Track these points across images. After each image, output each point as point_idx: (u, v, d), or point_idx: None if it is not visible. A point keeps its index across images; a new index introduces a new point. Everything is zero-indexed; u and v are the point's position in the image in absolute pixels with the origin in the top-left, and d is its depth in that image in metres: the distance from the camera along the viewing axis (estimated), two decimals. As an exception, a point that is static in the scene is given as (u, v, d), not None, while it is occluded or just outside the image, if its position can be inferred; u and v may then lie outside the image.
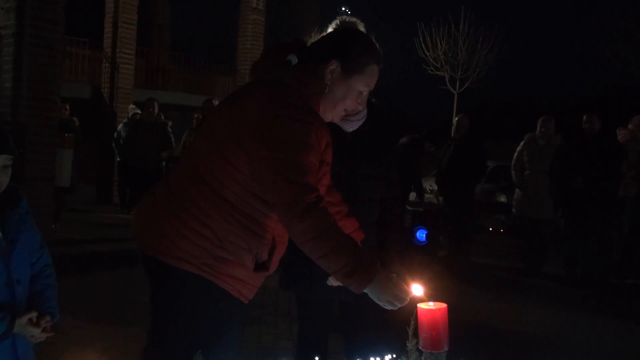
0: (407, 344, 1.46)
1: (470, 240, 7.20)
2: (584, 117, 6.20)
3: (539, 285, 6.31)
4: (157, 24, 18.42)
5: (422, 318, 1.46)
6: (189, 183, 1.73)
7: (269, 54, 1.91)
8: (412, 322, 1.46)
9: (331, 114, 1.86)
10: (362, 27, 2.14)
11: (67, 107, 8.07)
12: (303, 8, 16.29)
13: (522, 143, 6.94)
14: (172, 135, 8.54)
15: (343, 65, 1.81)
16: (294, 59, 1.84)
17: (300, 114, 1.66)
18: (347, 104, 1.85)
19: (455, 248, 6.97)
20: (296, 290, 2.41)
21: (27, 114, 6.12)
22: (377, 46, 1.90)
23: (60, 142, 6.75)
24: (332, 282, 1.86)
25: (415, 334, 1.46)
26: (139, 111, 9.19)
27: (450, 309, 1.49)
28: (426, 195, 8.94)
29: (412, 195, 8.25)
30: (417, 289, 1.63)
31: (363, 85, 1.85)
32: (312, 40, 1.96)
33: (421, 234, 6.62)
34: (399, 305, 1.65)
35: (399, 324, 1.67)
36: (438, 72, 14.81)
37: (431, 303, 1.50)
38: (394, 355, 1.53)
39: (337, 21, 2.23)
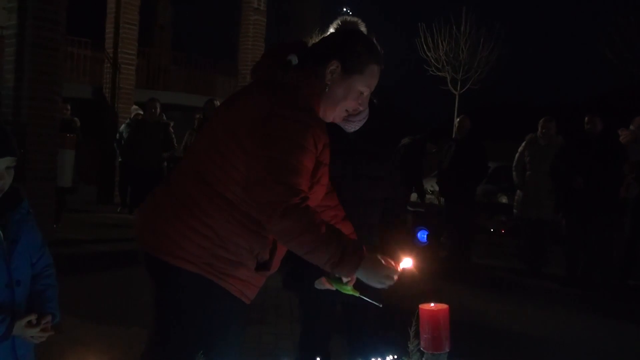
0: (409, 345, 1.45)
1: (471, 240, 7.20)
2: (586, 118, 6.20)
3: (540, 285, 6.30)
4: (159, 24, 18.45)
5: (423, 319, 1.46)
6: (190, 183, 1.73)
7: (270, 55, 1.91)
8: (414, 323, 1.46)
9: (332, 114, 1.86)
10: (363, 28, 2.13)
11: (69, 107, 8.07)
12: (304, 8, 16.31)
13: (523, 144, 6.95)
14: (174, 136, 8.52)
15: (343, 66, 1.81)
16: (294, 60, 1.84)
17: (299, 114, 1.67)
18: (347, 104, 1.85)
19: (456, 249, 6.98)
20: (299, 291, 2.41)
21: (28, 114, 6.13)
22: (378, 46, 1.90)
23: (62, 143, 6.76)
24: (320, 285, 1.85)
25: (417, 335, 1.46)
26: (142, 112, 9.18)
27: (451, 310, 1.48)
28: (427, 196, 8.94)
29: (414, 196, 8.25)
30: (406, 262, 1.73)
31: (363, 85, 1.84)
32: (313, 42, 1.96)
33: (422, 235, 6.61)
34: (390, 283, 1.71)
35: (401, 325, 1.67)
36: (439, 73, 14.78)
37: (432, 304, 1.50)
38: (396, 357, 1.53)
39: (339, 21, 2.22)
